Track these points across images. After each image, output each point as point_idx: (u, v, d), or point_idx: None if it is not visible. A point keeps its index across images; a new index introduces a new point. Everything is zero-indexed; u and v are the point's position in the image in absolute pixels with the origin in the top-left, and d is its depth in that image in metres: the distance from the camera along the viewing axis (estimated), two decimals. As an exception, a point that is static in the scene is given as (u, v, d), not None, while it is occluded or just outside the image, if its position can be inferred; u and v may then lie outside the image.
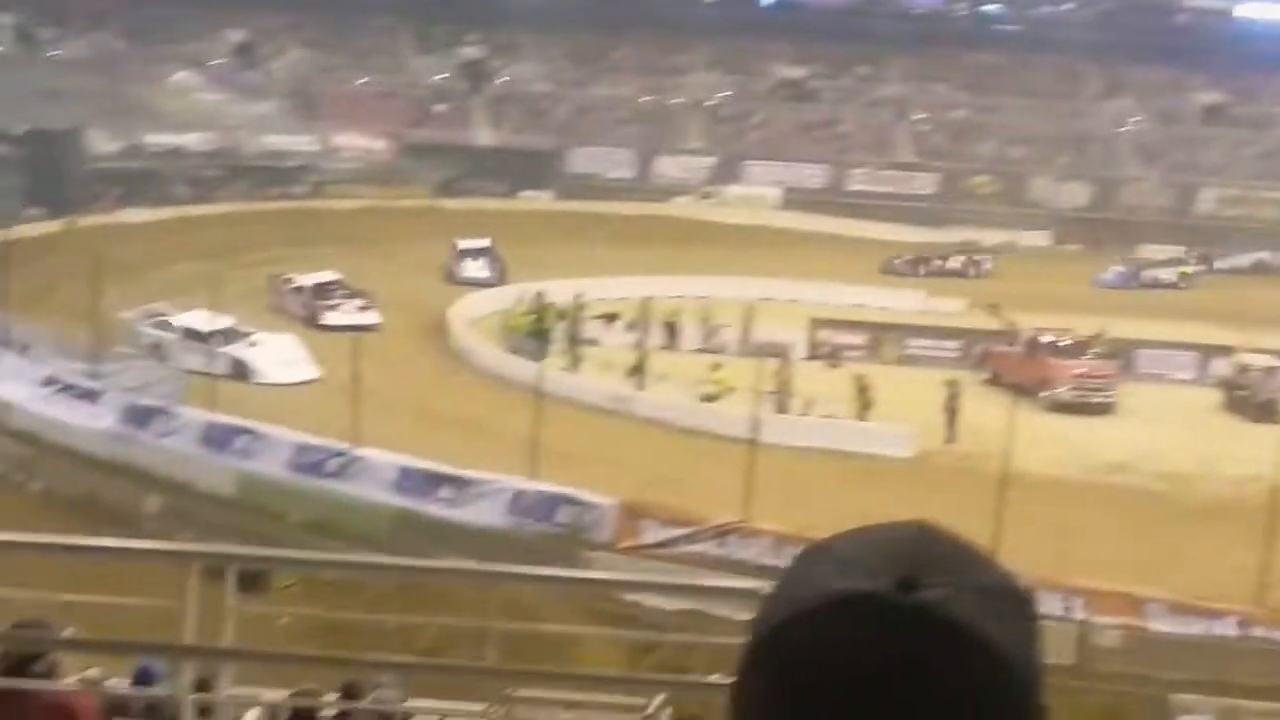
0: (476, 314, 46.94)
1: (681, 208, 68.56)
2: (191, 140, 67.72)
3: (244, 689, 7.79)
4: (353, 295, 45.15)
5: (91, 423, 33.96)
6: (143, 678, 9.32)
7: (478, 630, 7.62)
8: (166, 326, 39.68)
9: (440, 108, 76.18)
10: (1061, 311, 45.41)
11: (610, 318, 46.46)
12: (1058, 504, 30.01)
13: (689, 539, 29.36)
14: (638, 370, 40.57)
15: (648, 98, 77.27)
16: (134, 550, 10.31)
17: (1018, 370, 41.07)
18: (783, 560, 27.11)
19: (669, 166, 73.72)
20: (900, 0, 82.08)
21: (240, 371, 38.44)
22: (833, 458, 34.12)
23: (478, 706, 8.70)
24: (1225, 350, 44.25)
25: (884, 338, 46.13)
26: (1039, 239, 66.91)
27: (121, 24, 74.38)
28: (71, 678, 8.16)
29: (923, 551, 1.18)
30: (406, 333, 43.85)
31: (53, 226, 53.84)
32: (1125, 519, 30.42)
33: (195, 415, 33.57)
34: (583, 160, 73.48)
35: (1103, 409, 40.76)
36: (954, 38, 78.94)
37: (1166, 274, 60.17)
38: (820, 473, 32.30)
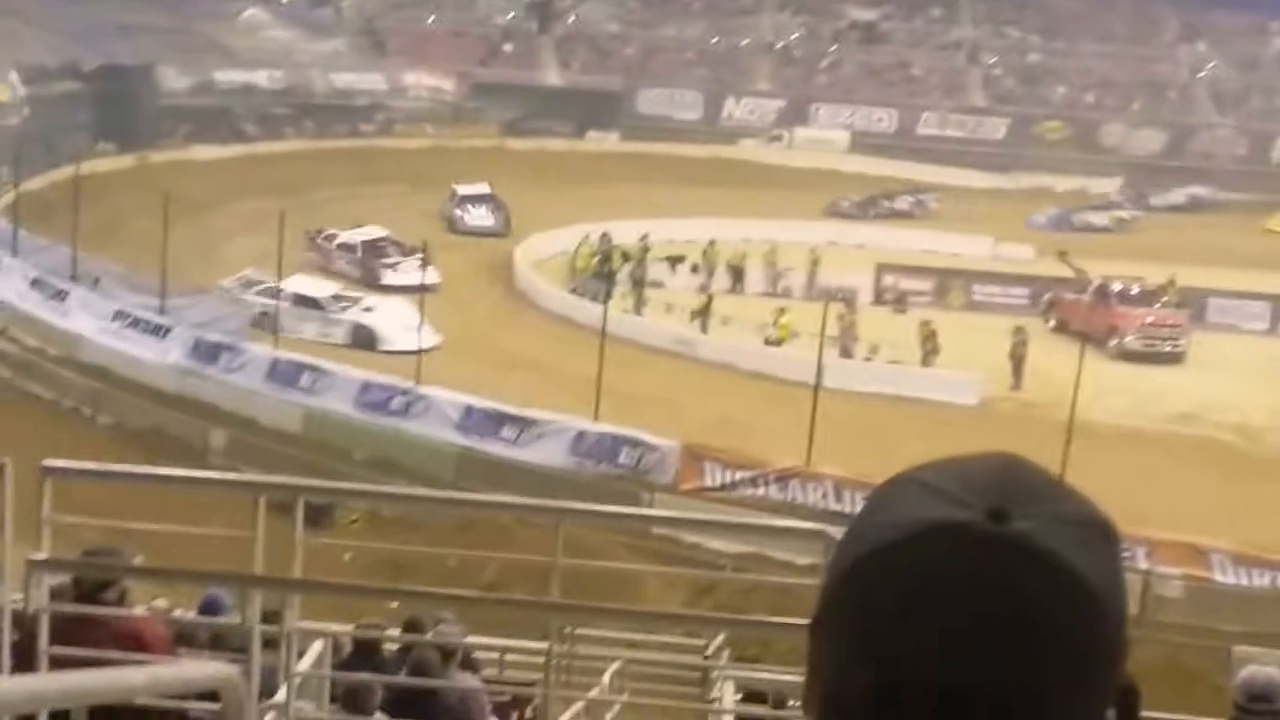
0: (542, 255, 46.99)
1: (749, 150, 68.16)
2: (261, 78, 67.91)
3: (309, 622, 7.89)
4: (406, 252, 41.69)
5: (160, 357, 34.34)
6: (208, 608, 9.46)
7: (539, 568, 7.66)
8: (274, 293, 36.81)
9: (508, 47, 75.99)
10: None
11: (675, 260, 46.42)
12: (1123, 453, 29.81)
13: (751, 482, 29.40)
14: (702, 313, 40.54)
15: (717, 39, 76.75)
16: (204, 481, 10.43)
17: (1086, 318, 40.74)
18: (844, 505, 27.24)
19: (737, 109, 73.27)
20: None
21: (364, 339, 36.76)
22: (897, 404, 34.00)
23: (539, 644, 8.77)
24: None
25: (951, 283, 45.82)
26: (1109, 186, 66.07)
27: (193, -40, 74.60)
28: (140, 607, 8.29)
29: (1011, 482, 1.18)
30: (473, 273, 43.97)
31: (123, 162, 54.26)
32: (1191, 470, 30.19)
33: (262, 351, 33.83)
34: (650, 101, 73.13)
35: (1172, 358, 40.39)
36: (1028, -20, 77.92)
37: (1098, 218, 58.85)
38: (884, 419, 32.19)
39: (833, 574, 1.20)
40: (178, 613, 9.63)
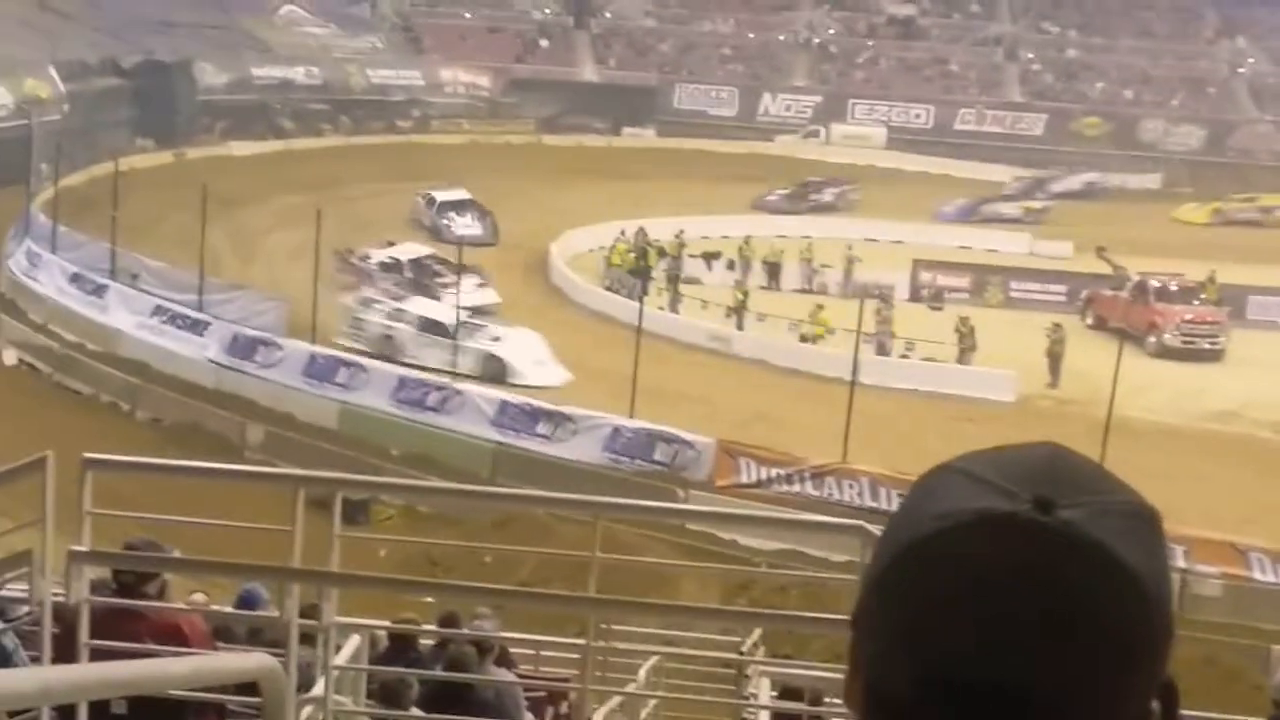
0: (577, 251, 47.03)
1: (785, 146, 68.05)
2: (298, 74, 68.20)
3: (346, 617, 7.92)
4: (458, 271, 37.49)
5: (198, 353, 34.51)
6: (245, 602, 9.51)
7: (575, 564, 7.67)
8: (400, 315, 35.50)
9: (545, 43, 76.07)
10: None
11: (711, 257, 46.40)
12: (1162, 451, 29.64)
13: (786, 479, 29.34)
14: (738, 309, 40.52)
15: (753, 34, 76.65)
16: (242, 474, 10.48)
17: (1124, 315, 40.50)
18: (880, 502, 27.17)
19: (773, 104, 73.14)
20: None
21: (495, 371, 34.04)
22: (933, 400, 33.90)
23: (576, 640, 8.79)
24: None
25: (988, 280, 45.65)
26: (1148, 182, 65.71)
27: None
28: (178, 602, 8.34)
29: (1056, 471, 1.17)
30: (508, 268, 44.03)
31: (162, 158, 54.57)
32: (1231, 468, 30.00)
33: (299, 346, 33.94)
34: (687, 97, 73.12)
35: (1212, 355, 40.13)
36: (1066, -25, 77.57)
37: (1009, 209, 58.04)
38: (920, 415, 32.11)
39: (877, 565, 1.20)
40: (214, 607, 9.68)
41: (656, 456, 30.10)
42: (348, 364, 33.12)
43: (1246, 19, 75.83)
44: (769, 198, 57.01)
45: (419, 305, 35.98)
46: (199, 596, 9.62)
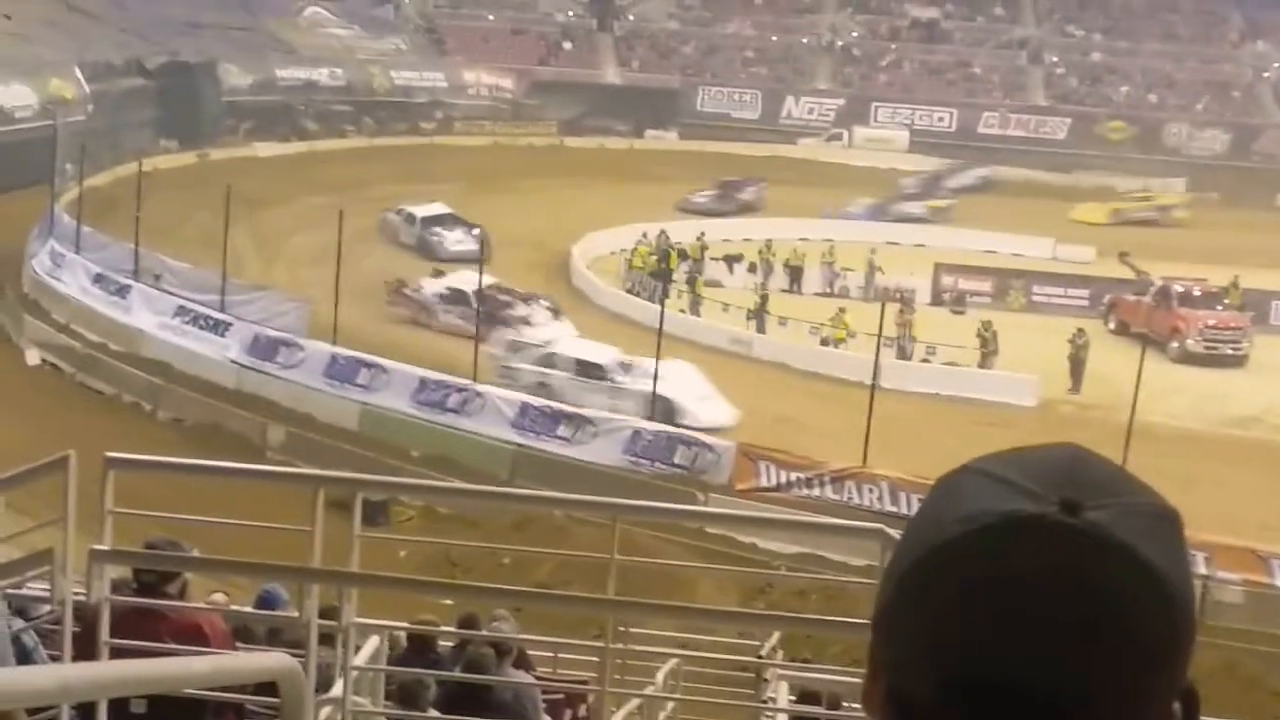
0: (599, 253, 47.06)
1: (808, 149, 68.01)
2: (322, 75, 68.43)
3: (365, 618, 7.93)
4: (523, 298, 36.04)
5: (219, 353, 34.60)
6: (265, 603, 9.53)
7: (594, 567, 7.67)
8: (550, 361, 33.31)
9: (568, 45, 76.16)
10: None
11: (732, 260, 46.39)
12: (1184, 457, 29.50)
13: (806, 483, 29.29)
14: (758, 312, 40.50)
15: (776, 37, 76.62)
16: (262, 474, 10.49)
17: (1147, 320, 40.39)
18: (900, 507, 27.11)
19: (796, 107, 73.11)
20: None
21: (663, 412, 31.34)
22: (954, 405, 33.82)
23: (594, 642, 8.78)
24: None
25: (1010, 284, 45.54)
26: (1175, 186, 65.52)
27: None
28: (198, 602, 8.36)
29: (1080, 473, 1.17)
30: (529, 270, 44.07)
31: (185, 159, 54.77)
32: (1253, 474, 29.86)
33: (320, 347, 34.00)
34: (709, 100, 73.14)
35: (1235, 361, 39.98)
36: (1091, -21, 77.42)
37: (914, 208, 57.59)
38: (941, 420, 32.03)
39: (898, 567, 1.19)
40: (234, 608, 9.70)
41: (676, 459, 30.07)
42: (369, 365, 33.17)
43: (1271, 23, 75.52)
44: (696, 199, 56.06)
45: (569, 346, 33.67)
46: (219, 596, 9.65)
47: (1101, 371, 35.28)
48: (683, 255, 45.56)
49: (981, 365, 37.18)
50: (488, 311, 35.62)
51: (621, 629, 10.46)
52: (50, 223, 40.90)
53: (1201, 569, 25.24)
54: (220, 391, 33.06)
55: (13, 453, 11.47)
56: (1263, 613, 24.98)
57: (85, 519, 6.99)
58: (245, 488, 15.56)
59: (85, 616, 6.94)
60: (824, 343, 38.31)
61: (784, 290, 44.17)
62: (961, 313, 42.71)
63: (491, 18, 76.29)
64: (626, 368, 32.68)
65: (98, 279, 37.99)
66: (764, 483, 29.36)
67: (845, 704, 9.27)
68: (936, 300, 44.29)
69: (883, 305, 34.29)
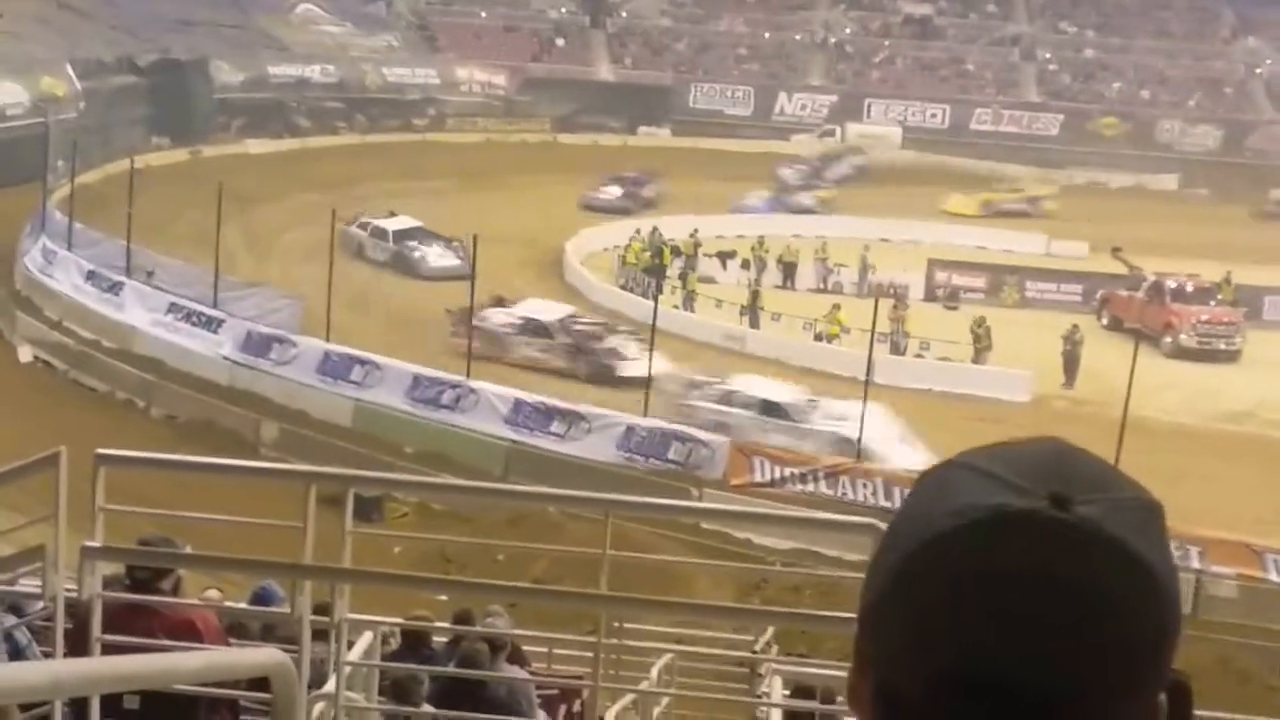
0: (592, 249, 47.05)
1: (801, 146, 67.98)
2: (314, 72, 68.35)
3: (359, 614, 7.92)
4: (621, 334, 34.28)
5: (212, 350, 34.56)
6: (260, 599, 9.52)
7: (588, 564, 7.67)
8: (731, 398, 31.51)
9: (560, 42, 76.11)
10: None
11: (726, 256, 46.40)
12: (1177, 452, 29.58)
13: (800, 479, 29.31)
14: (751, 308, 40.52)
15: (769, 34, 76.62)
16: (254, 470, 10.48)
17: (1140, 315, 40.42)
18: (894, 502, 27.10)
19: (789, 104, 73.09)
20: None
21: (853, 454, 29.54)
22: (947, 400, 33.86)
23: (588, 638, 8.78)
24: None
25: (1003, 280, 45.58)
26: (1167, 183, 65.57)
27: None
28: (192, 598, 8.34)
29: (1067, 467, 1.17)
30: (523, 266, 44.06)
31: (177, 156, 54.70)
32: (1246, 469, 29.92)
33: (313, 344, 33.96)
34: (702, 97, 73.12)
35: (1228, 356, 40.04)
36: (1083, -25, 77.45)
37: (806, 198, 57.29)
38: (934, 415, 32.05)
39: (887, 562, 1.18)
40: (229, 603, 9.69)
41: (671, 455, 30.08)
42: (362, 362, 33.15)
43: (1263, 19, 75.60)
44: (599, 196, 54.86)
45: (751, 384, 31.90)
46: (213, 593, 9.63)
47: (1095, 367, 35.33)
48: (676, 251, 45.57)
49: (975, 361, 37.24)
50: (574, 344, 34.52)
51: (616, 625, 10.47)
52: (42, 220, 40.84)
53: (1195, 564, 25.32)
54: (213, 388, 33.03)
55: (6, 450, 11.45)
56: (1256, 607, 25.03)
57: (77, 516, 6.98)
58: (238, 484, 15.55)
59: (78, 613, 6.93)
60: (818, 338, 38.34)
61: (777, 286, 44.19)
62: (955, 308, 42.75)
63: (484, 14, 76.20)
64: (812, 407, 31.23)
65: (90, 276, 37.94)
66: (758, 478, 29.38)
67: (840, 699, 9.27)
68: (930, 296, 44.33)
69: (876, 301, 34.34)
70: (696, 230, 47.27)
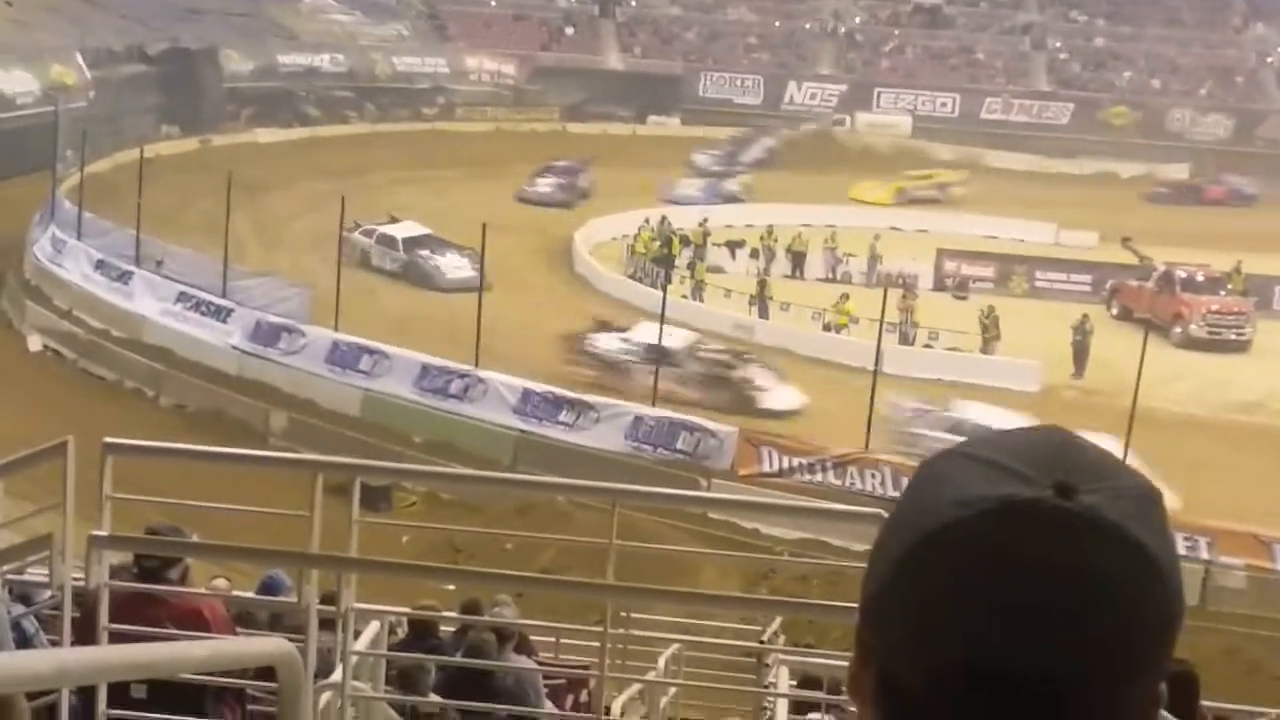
0: (601, 238, 47.02)
1: (811, 135, 67.84)
2: (324, 61, 68.35)
3: (365, 605, 7.92)
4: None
5: (221, 339, 34.59)
6: (268, 589, 9.53)
7: (595, 553, 7.66)
8: (958, 428, 28.71)
9: (570, 31, 76.05)
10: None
11: (735, 245, 46.36)
12: (1187, 442, 29.53)
13: (808, 469, 29.29)
14: (760, 297, 40.49)
15: (779, 23, 76.52)
16: (261, 459, 10.48)
17: (1150, 305, 40.38)
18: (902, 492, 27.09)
19: (799, 93, 72.98)
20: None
21: None
22: (957, 390, 33.81)
23: (595, 628, 8.77)
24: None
25: (1013, 270, 45.50)
26: (1178, 172, 65.42)
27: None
28: (200, 587, 8.35)
29: (1069, 456, 1.17)
30: (532, 255, 44.05)
31: (187, 145, 54.73)
32: (1255, 459, 29.86)
33: (322, 333, 33.98)
34: (712, 85, 73.03)
35: (1237, 346, 39.95)
36: (1094, -36, 77.30)
37: (730, 185, 56.35)
38: (944, 405, 32.00)
39: (889, 551, 1.17)
40: (237, 592, 9.70)
41: (679, 445, 30.07)
42: (371, 351, 33.16)
43: (1274, 7, 75.40)
44: (535, 189, 53.54)
45: (978, 413, 30.49)
46: (220, 582, 9.64)
47: (1104, 357, 35.26)
48: (685, 241, 45.53)
49: (984, 350, 37.19)
50: (708, 375, 33.37)
51: (623, 614, 10.46)
52: (52, 209, 40.88)
53: (1204, 554, 25.28)
54: (222, 377, 33.06)
55: (15, 438, 11.47)
56: (1265, 598, 25.01)
57: (85, 505, 6.99)
58: (246, 473, 15.57)
59: (85, 602, 6.94)
60: (826, 328, 38.30)
61: (786, 276, 44.15)
62: (964, 298, 42.70)
63: (493, 3, 76.18)
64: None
65: (99, 265, 37.97)
66: (766, 468, 29.36)
67: (846, 689, 9.26)
68: (939, 286, 44.27)
69: (885, 291, 34.26)
70: (706, 219, 47.24)
